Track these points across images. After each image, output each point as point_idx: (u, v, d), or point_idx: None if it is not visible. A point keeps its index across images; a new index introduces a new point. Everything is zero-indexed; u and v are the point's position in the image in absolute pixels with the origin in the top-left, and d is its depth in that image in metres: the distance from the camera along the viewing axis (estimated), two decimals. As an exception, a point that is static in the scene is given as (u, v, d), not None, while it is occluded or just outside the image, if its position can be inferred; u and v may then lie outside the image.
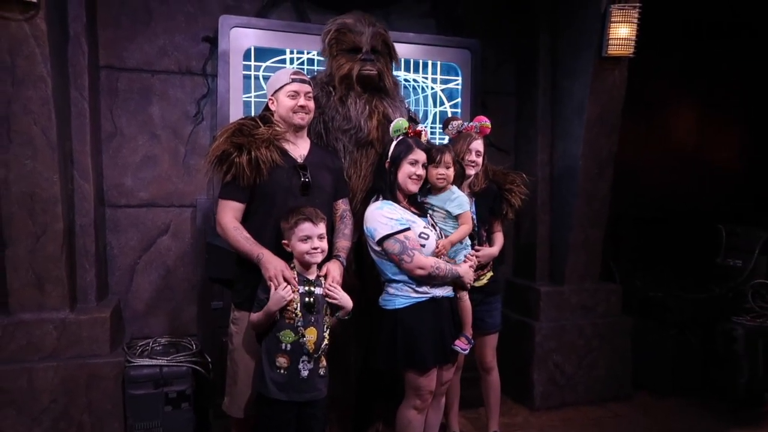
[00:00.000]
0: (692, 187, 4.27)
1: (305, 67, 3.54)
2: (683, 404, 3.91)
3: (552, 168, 3.94)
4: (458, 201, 2.71)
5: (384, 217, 2.51)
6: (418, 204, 2.70)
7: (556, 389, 3.81)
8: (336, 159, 2.73)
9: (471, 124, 3.03)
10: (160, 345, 3.24)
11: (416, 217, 2.61)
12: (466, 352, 2.72)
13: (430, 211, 2.71)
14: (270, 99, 2.59)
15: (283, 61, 3.50)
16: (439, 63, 3.79)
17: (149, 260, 3.46)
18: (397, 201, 2.60)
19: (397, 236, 2.49)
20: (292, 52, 3.50)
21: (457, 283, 2.64)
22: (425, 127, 2.75)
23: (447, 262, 2.61)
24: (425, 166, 2.63)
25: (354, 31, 2.82)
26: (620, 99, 3.69)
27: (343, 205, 2.69)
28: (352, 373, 3.02)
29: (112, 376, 2.94)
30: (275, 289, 2.27)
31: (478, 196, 3.00)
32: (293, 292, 2.28)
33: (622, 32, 3.49)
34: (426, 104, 3.80)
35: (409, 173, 2.58)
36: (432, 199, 2.75)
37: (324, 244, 2.36)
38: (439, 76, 3.80)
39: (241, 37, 3.37)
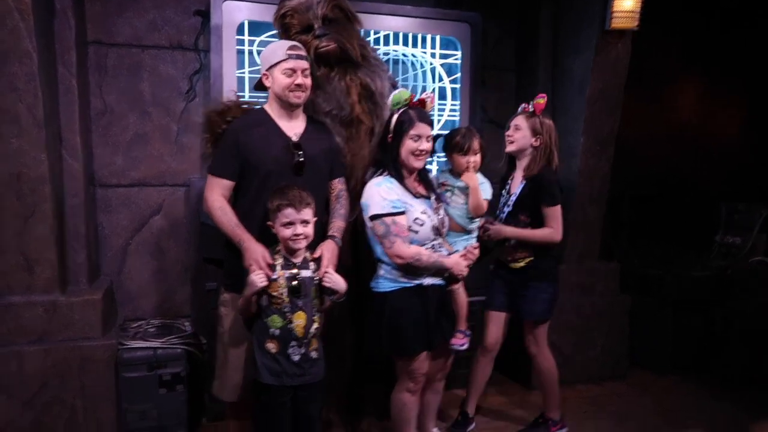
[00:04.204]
0: (693, 165, 4.22)
1: (300, 41, 3.43)
2: (681, 383, 3.91)
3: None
4: (483, 186, 2.68)
5: (379, 195, 2.43)
6: (427, 181, 2.59)
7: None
8: (332, 137, 2.63)
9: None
10: (153, 327, 3.19)
11: (417, 200, 2.49)
12: (463, 347, 2.64)
13: (448, 193, 2.63)
14: (264, 74, 2.46)
15: (276, 36, 3.38)
16: (438, 37, 3.69)
17: (141, 241, 3.39)
18: (401, 178, 2.48)
19: (385, 219, 2.40)
20: (286, 26, 3.39)
21: (449, 274, 2.55)
22: (430, 93, 2.60)
23: (438, 250, 2.51)
24: (431, 139, 2.50)
25: (300, 11, 2.66)
26: (623, 74, 3.61)
27: (339, 185, 2.59)
28: (348, 357, 2.98)
29: (105, 358, 2.89)
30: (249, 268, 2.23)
31: (529, 180, 2.90)
32: (267, 279, 2.21)
33: (626, 4, 3.40)
34: (425, 79, 3.71)
35: (412, 149, 2.45)
36: (457, 182, 2.69)
37: (308, 230, 2.26)
38: (438, 51, 3.70)
39: (234, 10, 3.25)
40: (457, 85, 3.75)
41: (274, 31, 3.36)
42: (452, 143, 2.71)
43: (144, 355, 2.92)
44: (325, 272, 2.31)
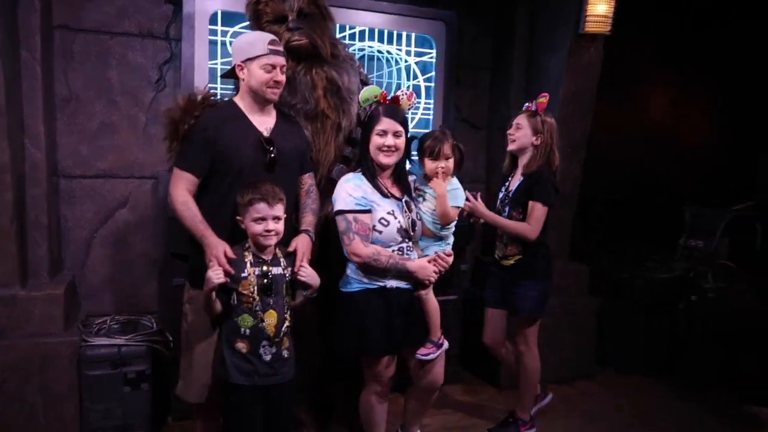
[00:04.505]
0: (662, 169, 4.30)
1: (275, 34, 3.37)
2: (648, 383, 4.00)
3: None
4: (453, 194, 2.55)
5: (345, 191, 2.40)
6: (403, 182, 2.53)
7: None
8: (302, 131, 2.58)
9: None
10: (117, 323, 3.09)
11: (386, 199, 2.43)
12: (431, 358, 2.51)
13: (420, 198, 2.54)
14: (239, 65, 2.37)
15: (249, 23, 3.32)
16: (413, 35, 3.67)
17: (106, 234, 3.28)
18: (372, 175, 2.45)
19: (347, 215, 2.37)
20: (261, 18, 3.32)
21: (415, 279, 2.45)
22: (406, 90, 2.50)
23: (407, 254, 2.44)
24: (402, 135, 2.43)
25: (275, 0, 2.61)
26: (596, 78, 3.66)
27: (309, 180, 2.56)
28: (317, 355, 2.94)
29: (67, 355, 2.79)
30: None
31: (527, 177, 2.90)
32: (226, 275, 2.13)
33: (599, 9, 3.44)
34: (399, 77, 3.69)
35: (378, 145, 2.40)
36: (428, 188, 2.59)
37: (279, 227, 2.21)
38: (413, 49, 3.68)
39: (207, -1, 3.18)
40: (432, 84, 3.74)
41: (247, 22, 3.31)
42: (423, 147, 2.61)
43: (108, 353, 2.82)
44: (301, 266, 2.27)
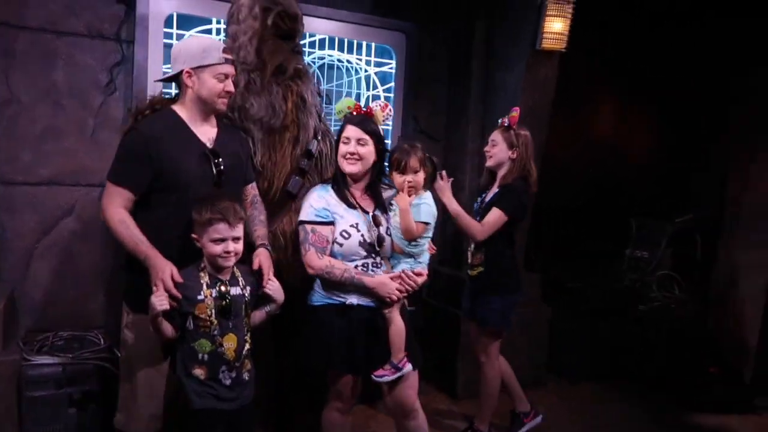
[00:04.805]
0: (610, 181, 4.45)
1: (232, 39, 3.28)
2: (597, 389, 4.11)
3: (481, 158, 3.93)
4: (419, 209, 2.40)
5: (308, 202, 2.37)
6: (375, 196, 2.46)
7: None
8: (244, 140, 2.46)
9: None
10: (61, 339, 2.93)
11: (352, 211, 2.36)
12: (385, 380, 2.36)
13: (392, 213, 2.45)
14: (187, 72, 2.20)
15: (209, 32, 3.23)
16: (373, 45, 3.66)
17: (50, 245, 3.09)
18: (340, 186, 2.39)
19: (306, 226, 2.34)
20: (219, 22, 3.23)
21: (376, 296, 2.34)
22: (381, 102, 2.45)
23: (372, 270, 2.37)
24: (367, 144, 2.36)
25: (290, 16, 2.52)
26: (551, 93, 3.74)
27: (252, 190, 2.46)
28: (272, 372, 2.86)
29: (6, 376, 2.62)
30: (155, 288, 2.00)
31: (501, 187, 2.97)
32: (170, 301, 1.98)
33: (556, 26, 3.52)
34: (359, 87, 3.67)
35: (342, 152, 2.37)
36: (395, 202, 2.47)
37: (239, 247, 2.09)
38: (373, 59, 3.67)
39: (163, 1, 3.06)
40: (391, 94, 3.73)
41: (205, 26, 3.22)
42: (390, 160, 2.49)
43: (51, 372, 2.66)
44: (269, 280, 2.19)
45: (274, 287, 2.20)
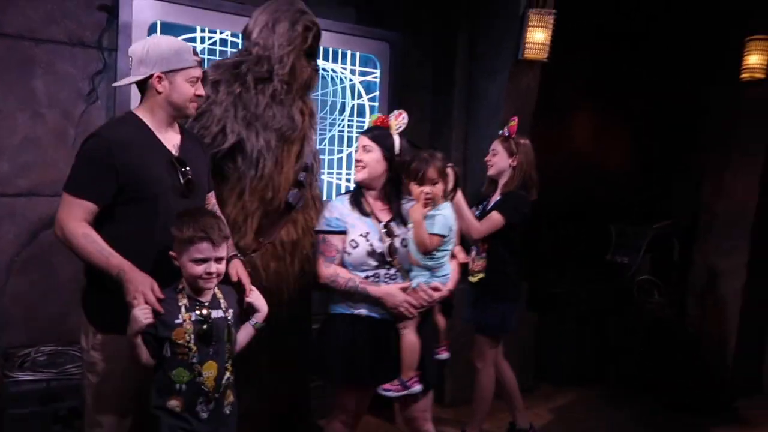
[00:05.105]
0: (591, 189, 4.53)
1: (217, 48, 3.26)
2: (583, 394, 4.16)
3: (465, 166, 3.97)
4: (433, 220, 2.27)
5: (323, 212, 2.40)
6: (392, 205, 2.39)
7: (467, 384, 3.85)
8: (205, 147, 2.34)
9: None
10: (44, 355, 2.84)
11: (364, 219, 2.33)
12: (390, 395, 2.28)
13: (410, 224, 2.33)
14: (158, 76, 2.03)
15: (193, 40, 3.19)
16: (358, 54, 3.67)
17: (29, 257, 3.00)
18: (360, 194, 2.38)
19: (318, 235, 2.37)
20: (203, 31, 3.21)
21: (385, 307, 2.27)
22: (396, 112, 2.42)
23: (383, 281, 2.30)
24: (371, 150, 2.34)
25: (317, 37, 2.60)
26: (533, 103, 3.80)
27: (212, 199, 2.34)
28: (265, 381, 2.81)
29: (-13, 394, 2.52)
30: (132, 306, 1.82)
31: (503, 195, 3.01)
32: (154, 314, 1.82)
33: (538, 37, 3.58)
34: (344, 96, 3.66)
35: (355, 159, 2.43)
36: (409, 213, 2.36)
37: (222, 267, 1.92)
38: (357, 68, 3.68)
39: (146, 8, 3.02)
40: (376, 103, 3.74)
41: (188, 35, 3.18)
42: (408, 168, 2.32)
43: (35, 388, 2.59)
44: (251, 290, 2.10)
45: (255, 296, 2.10)
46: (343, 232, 2.33)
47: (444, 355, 2.63)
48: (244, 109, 2.48)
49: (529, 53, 3.60)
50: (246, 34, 2.54)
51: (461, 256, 2.55)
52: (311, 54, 2.58)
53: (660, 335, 4.22)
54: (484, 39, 3.83)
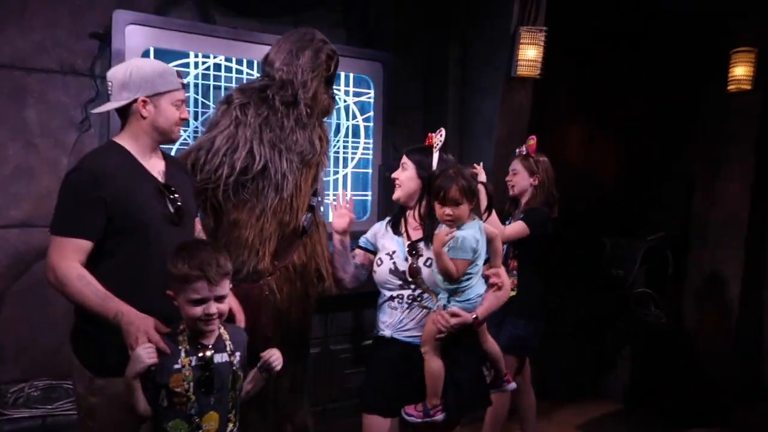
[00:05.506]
0: (583, 203, 4.54)
1: (211, 73, 3.24)
2: (580, 408, 4.13)
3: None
4: (456, 243, 2.10)
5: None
6: (426, 222, 2.30)
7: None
8: (188, 171, 2.26)
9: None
10: (38, 390, 2.77)
11: (395, 238, 2.36)
12: (410, 420, 2.18)
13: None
14: (143, 100, 1.97)
15: (186, 65, 3.18)
16: (351, 75, 3.67)
17: (22, 289, 2.94)
18: (401, 213, 2.43)
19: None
20: (196, 56, 3.19)
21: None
22: (438, 132, 2.41)
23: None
24: (407, 168, 2.37)
25: (337, 65, 2.61)
26: (526, 119, 3.81)
27: (198, 225, 2.30)
28: (269, 400, 2.76)
29: (-19, 433, 2.45)
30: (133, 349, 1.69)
31: (527, 212, 3.03)
32: (158, 356, 1.68)
33: (530, 54, 3.61)
34: (339, 117, 3.66)
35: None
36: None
37: (224, 307, 1.76)
38: (351, 89, 3.67)
39: (138, 35, 2.99)
40: (370, 123, 3.74)
41: (181, 60, 3.16)
42: (432, 186, 2.19)
43: (31, 426, 2.51)
44: (271, 353, 1.86)
45: (275, 359, 1.87)
46: (372, 252, 2.45)
47: (511, 386, 2.47)
48: (270, 131, 2.46)
49: (522, 70, 3.62)
50: (268, 62, 2.53)
51: (494, 279, 2.26)
52: (330, 82, 2.60)
53: (658, 346, 4.22)
54: (476, 57, 3.84)
